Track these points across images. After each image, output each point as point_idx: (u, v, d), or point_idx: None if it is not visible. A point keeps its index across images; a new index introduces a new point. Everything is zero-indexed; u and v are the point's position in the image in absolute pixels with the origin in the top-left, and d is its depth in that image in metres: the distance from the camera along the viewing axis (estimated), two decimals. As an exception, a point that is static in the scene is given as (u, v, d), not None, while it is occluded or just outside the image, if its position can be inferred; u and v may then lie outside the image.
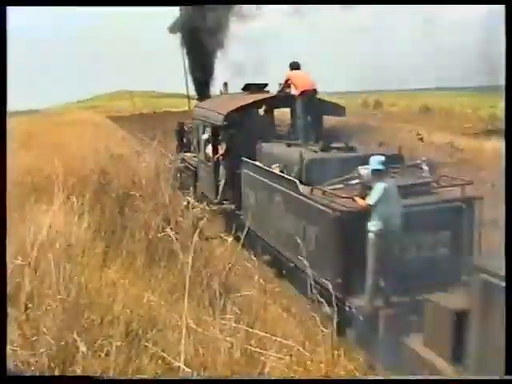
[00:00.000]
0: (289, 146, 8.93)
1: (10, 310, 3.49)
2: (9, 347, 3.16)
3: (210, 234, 8.58)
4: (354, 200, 6.34)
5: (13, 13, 3.39)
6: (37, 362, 3.16)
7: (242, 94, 11.84)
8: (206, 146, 11.69)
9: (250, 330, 3.84)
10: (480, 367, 4.49)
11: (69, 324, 3.45)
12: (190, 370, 3.31)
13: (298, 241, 5.82)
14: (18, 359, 3.17)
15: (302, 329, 5.18)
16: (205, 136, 11.93)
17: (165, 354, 3.38)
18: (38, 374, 3.09)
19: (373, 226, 6.08)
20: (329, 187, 6.92)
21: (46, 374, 3.09)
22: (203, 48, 21.23)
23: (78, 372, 3.16)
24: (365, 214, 6.09)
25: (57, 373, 3.15)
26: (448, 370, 5.07)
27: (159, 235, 6.00)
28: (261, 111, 11.33)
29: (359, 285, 6.11)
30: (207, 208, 10.03)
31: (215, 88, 14.91)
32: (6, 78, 3.20)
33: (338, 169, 7.19)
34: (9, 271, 3.80)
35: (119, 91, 66.42)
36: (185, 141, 14.40)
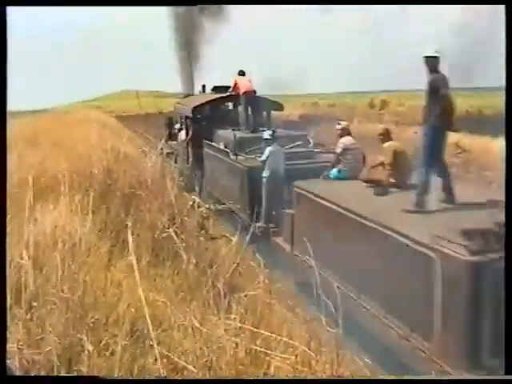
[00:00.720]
0: (233, 130, 12.60)
1: (15, 310, 3.50)
2: (15, 346, 3.18)
3: (215, 233, 8.59)
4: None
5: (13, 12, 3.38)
6: (42, 360, 3.16)
7: (211, 93, 16.08)
8: (179, 132, 16.24)
9: (255, 329, 3.84)
10: (301, 250, 7.66)
11: (74, 323, 3.46)
12: (195, 370, 3.31)
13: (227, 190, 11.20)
14: (24, 358, 3.17)
15: (307, 328, 5.17)
16: (177, 125, 16.77)
17: (170, 354, 3.38)
18: (42, 373, 3.10)
19: (265, 174, 9.91)
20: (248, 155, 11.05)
21: (51, 373, 3.09)
22: (186, 52, 24.71)
23: (84, 370, 3.17)
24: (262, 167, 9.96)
25: (62, 371, 3.16)
26: (289, 249, 8.63)
27: (164, 235, 6.01)
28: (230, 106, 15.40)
29: (260, 213, 9.76)
30: (212, 207, 10.45)
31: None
32: (6, 77, 3.20)
33: (258, 143, 10.93)
34: (14, 271, 3.81)
35: (124, 91, 66.51)
36: (172, 131, 18.00)
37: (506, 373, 3.07)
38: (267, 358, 3.59)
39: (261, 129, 12.17)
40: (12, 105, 3.55)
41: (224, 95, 14.80)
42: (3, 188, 3.31)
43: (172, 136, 17.53)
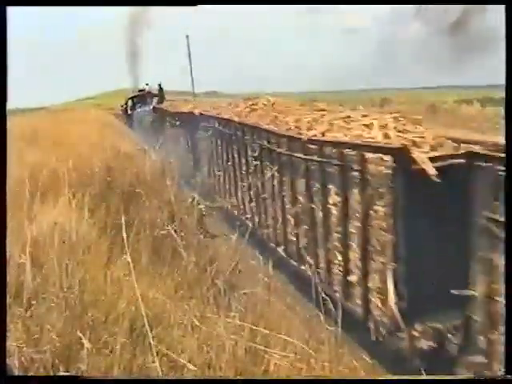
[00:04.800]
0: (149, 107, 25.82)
1: (14, 308, 3.50)
2: (14, 344, 3.17)
3: (215, 231, 8.57)
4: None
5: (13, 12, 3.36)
6: (41, 358, 3.16)
7: (138, 91, 29.98)
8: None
9: (255, 327, 3.84)
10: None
11: (73, 321, 3.46)
12: (194, 368, 3.30)
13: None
14: (23, 356, 3.17)
15: (306, 326, 5.18)
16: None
17: (169, 352, 3.37)
18: (42, 371, 3.10)
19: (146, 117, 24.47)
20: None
21: (50, 372, 3.09)
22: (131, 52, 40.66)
23: (83, 369, 3.17)
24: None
25: (61, 369, 3.16)
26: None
27: (163, 232, 6.01)
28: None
29: None
30: (212, 205, 10.39)
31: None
32: (7, 77, 3.19)
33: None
34: (13, 269, 3.81)
35: (125, 89, 66.35)
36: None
37: (506, 373, 3.06)
38: (266, 356, 3.59)
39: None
40: (11, 103, 3.54)
41: (140, 93, 29.04)
42: (3, 186, 3.30)
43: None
